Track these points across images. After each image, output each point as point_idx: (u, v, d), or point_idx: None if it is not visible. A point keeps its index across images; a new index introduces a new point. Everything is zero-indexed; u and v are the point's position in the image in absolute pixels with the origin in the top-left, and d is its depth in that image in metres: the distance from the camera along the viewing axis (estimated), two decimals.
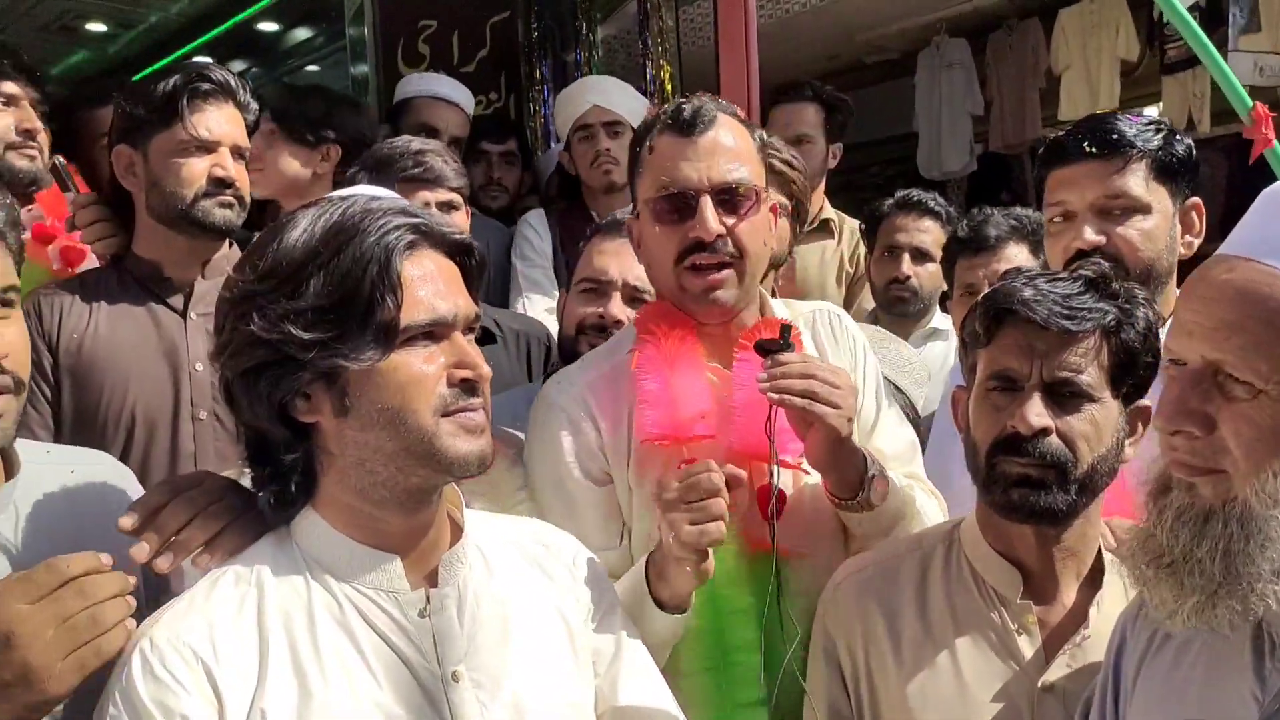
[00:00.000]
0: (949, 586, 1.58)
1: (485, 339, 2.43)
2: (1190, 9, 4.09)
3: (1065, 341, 1.45)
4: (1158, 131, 1.93)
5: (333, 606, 1.25)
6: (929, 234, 3.16)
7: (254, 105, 2.32)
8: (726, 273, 1.74)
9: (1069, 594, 1.54)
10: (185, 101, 2.15)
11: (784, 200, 2.45)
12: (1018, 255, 2.57)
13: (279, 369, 1.20)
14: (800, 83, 3.60)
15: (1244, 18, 5.44)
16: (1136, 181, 1.90)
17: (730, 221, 1.73)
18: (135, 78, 2.75)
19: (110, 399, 2.10)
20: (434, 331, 1.24)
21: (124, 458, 2.05)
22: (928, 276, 3.15)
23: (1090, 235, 1.89)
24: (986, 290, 1.55)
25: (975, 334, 1.52)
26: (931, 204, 3.21)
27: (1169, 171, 1.92)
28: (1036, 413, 1.44)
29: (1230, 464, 1.07)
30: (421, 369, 1.22)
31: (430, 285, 1.24)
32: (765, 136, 1.90)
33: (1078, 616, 1.53)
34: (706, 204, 1.72)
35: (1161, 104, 6.35)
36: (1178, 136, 1.96)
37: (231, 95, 2.23)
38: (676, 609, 1.58)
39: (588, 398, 1.80)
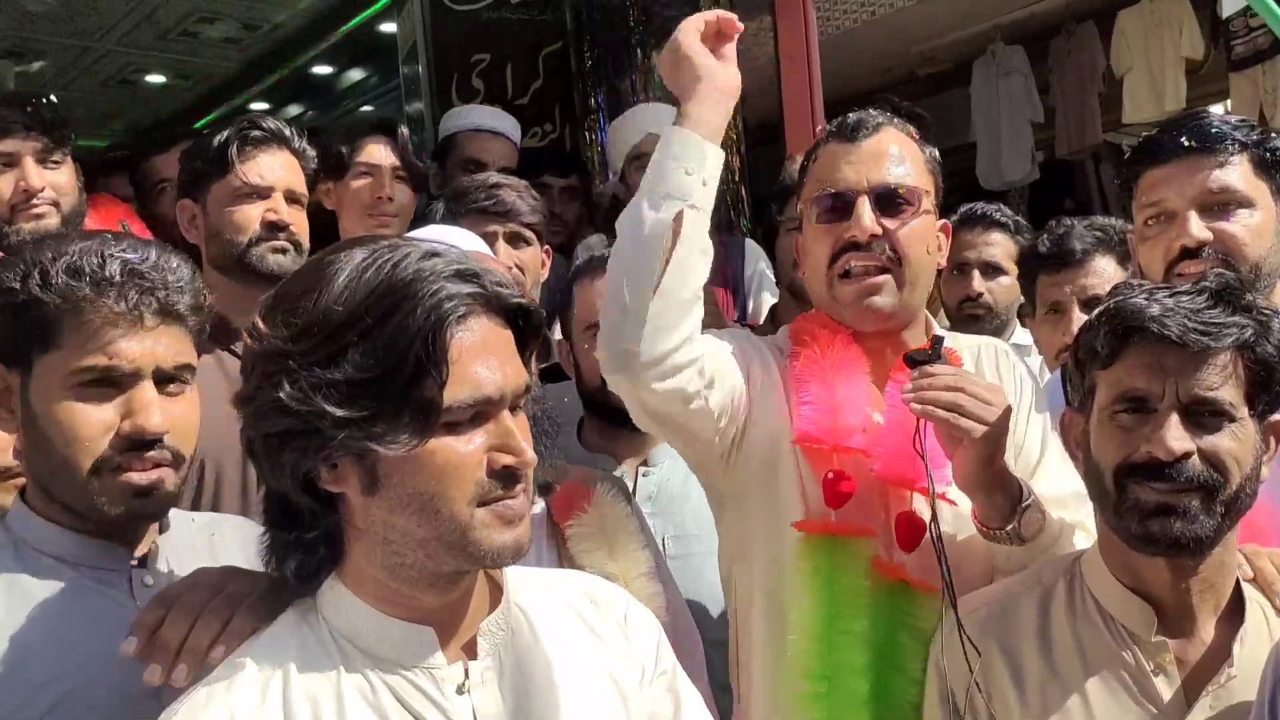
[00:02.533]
0: (1074, 624, 1.47)
1: (557, 375, 2.39)
2: (1245, 10, 3.92)
3: (1200, 359, 1.34)
4: (1253, 128, 1.84)
5: (364, 687, 1.14)
6: (998, 247, 3.06)
7: (311, 152, 2.34)
8: (884, 277, 1.69)
9: (1207, 630, 1.43)
10: (236, 150, 2.19)
11: None
12: (1105, 268, 2.44)
13: (306, 440, 1.09)
14: (876, 96, 3.53)
15: None
16: (1239, 175, 1.80)
17: (889, 224, 1.69)
18: (196, 125, 2.76)
19: None
20: (478, 411, 1.12)
21: (195, 504, 2.05)
22: (1001, 291, 3.04)
23: (1197, 231, 1.77)
24: (1101, 307, 1.45)
25: (1095, 353, 1.42)
26: (997, 215, 3.10)
27: (1268, 167, 1.82)
28: (1176, 436, 1.33)
29: None
30: (461, 454, 1.11)
31: (479, 360, 1.11)
32: (937, 154, 1.84)
33: (1219, 654, 1.41)
34: (864, 204, 1.69)
35: (1230, 101, 6.19)
36: (1273, 134, 1.85)
37: (284, 142, 2.26)
38: (697, 123, 1.60)
39: (773, 359, 1.78)
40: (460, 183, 2.54)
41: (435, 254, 1.13)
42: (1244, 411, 1.37)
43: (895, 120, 1.80)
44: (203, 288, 1.42)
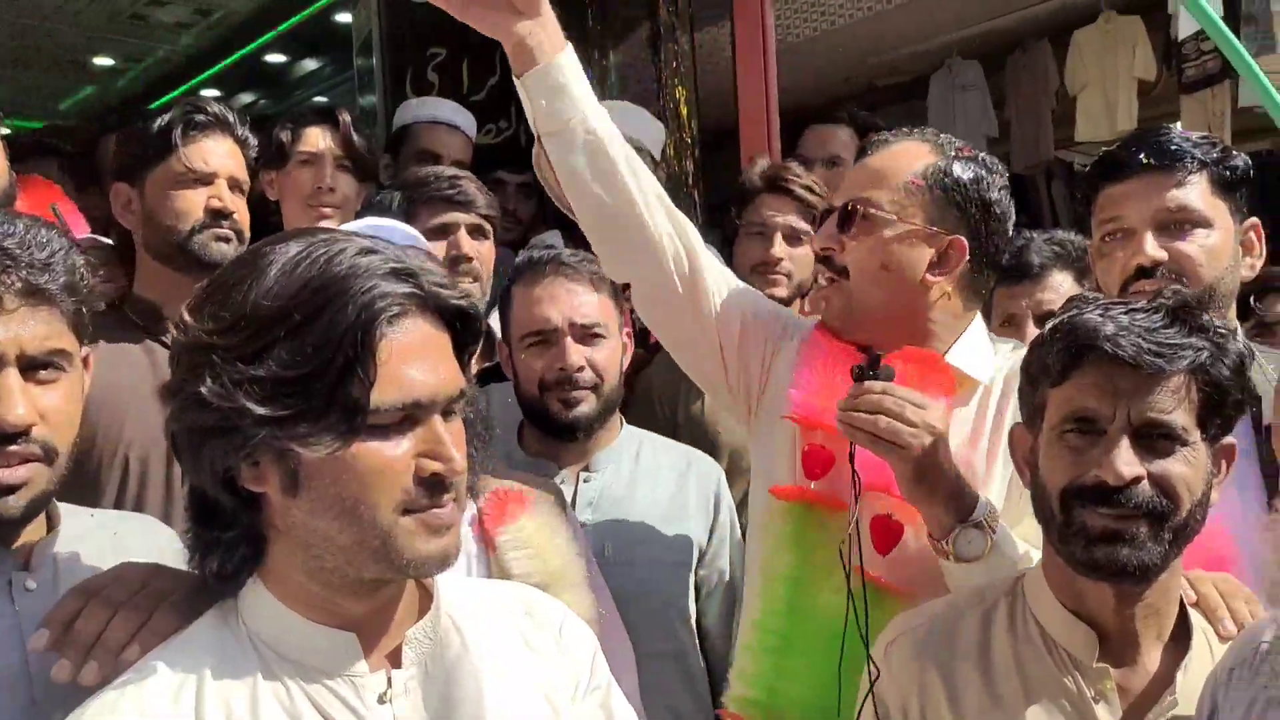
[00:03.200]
0: (1015, 648, 1.44)
1: (498, 376, 2.35)
2: (1197, 33, 4.00)
3: (1154, 381, 1.31)
4: (1214, 145, 1.82)
5: (280, 693, 1.10)
6: None
7: (253, 140, 2.29)
8: (830, 288, 1.80)
9: (1151, 656, 1.40)
10: (180, 133, 2.13)
11: (805, 227, 2.48)
12: (1062, 283, 2.43)
13: (227, 437, 1.05)
14: (837, 104, 3.54)
15: (1259, 39, 5.39)
16: (1197, 194, 1.78)
17: (843, 239, 1.77)
18: (151, 109, 2.67)
19: (104, 439, 2.02)
20: (407, 415, 1.08)
21: (119, 497, 2.01)
22: None
23: (1152, 251, 1.76)
24: (1054, 321, 1.41)
25: (1046, 369, 1.38)
26: None
27: (1228, 186, 1.81)
28: (1126, 460, 1.30)
29: None
30: (387, 459, 1.06)
31: (411, 362, 1.07)
32: (949, 170, 1.77)
33: (1161, 682, 1.38)
34: (830, 220, 1.80)
35: (1181, 123, 6.27)
36: (1234, 152, 1.84)
37: (228, 128, 2.20)
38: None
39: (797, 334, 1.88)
40: (417, 172, 2.50)
41: (372, 250, 1.08)
42: (1196, 435, 1.34)
43: (910, 133, 1.83)
44: (81, 265, 1.32)
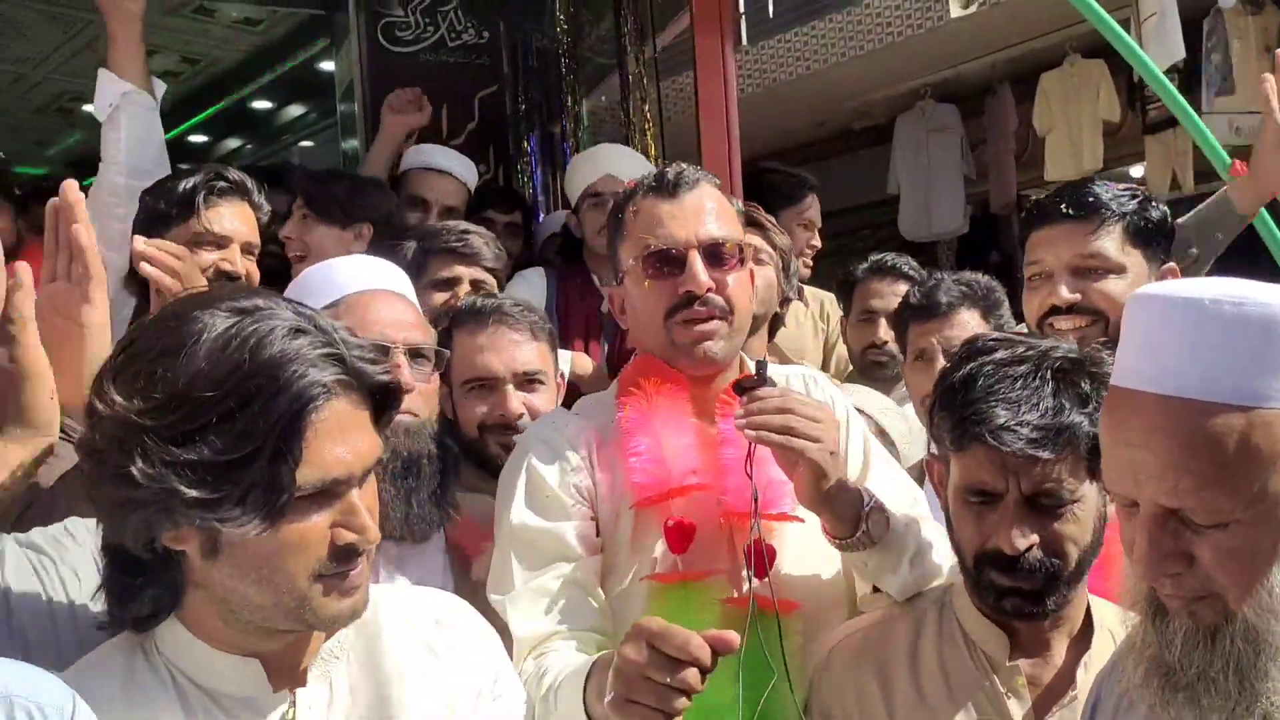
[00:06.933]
0: (941, 649, 1.57)
1: None
2: (1167, 72, 4.16)
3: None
4: (1133, 197, 2.00)
5: (192, 716, 1.18)
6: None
7: (266, 206, 2.47)
8: (717, 324, 1.75)
9: (1059, 652, 1.53)
10: (202, 197, 2.30)
11: (770, 251, 2.51)
12: (969, 321, 2.57)
13: (155, 511, 1.09)
14: (812, 146, 3.63)
15: (1219, 80, 5.54)
16: (1111, 243, 1.97)
17: (718, 276, 1.76)
18: None
19: None
20: (327, 490, 1.14)
21: None
22: None
23: (1064, 293, 1.96)
24: (949, 382, 1.51)
25: (941, 439, 1.51)
26: (905, 268, 3.25)
27: (1143, 235, 1.99)
28: (1019, 533, 1.43)
29: (1221, 588, 1.05)
30: (303, 532, 1.13)
31: (334, 442, 1.12)
32: (741, 206, 1.91)
33: (1066, 677, 1.51)
34: (695, 259, 1.75)
35: (1145, 163, 6.42)
36: (1154, 203, 2.02)
37: (246, 194, 2.40)
38: None
39: (581, 441, 1.77)
40: (434, 226, 2.75)
41: (300, 330, 1.13)
42: (1083, 487, 1.45)
43: (705, 174, 1.84)
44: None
